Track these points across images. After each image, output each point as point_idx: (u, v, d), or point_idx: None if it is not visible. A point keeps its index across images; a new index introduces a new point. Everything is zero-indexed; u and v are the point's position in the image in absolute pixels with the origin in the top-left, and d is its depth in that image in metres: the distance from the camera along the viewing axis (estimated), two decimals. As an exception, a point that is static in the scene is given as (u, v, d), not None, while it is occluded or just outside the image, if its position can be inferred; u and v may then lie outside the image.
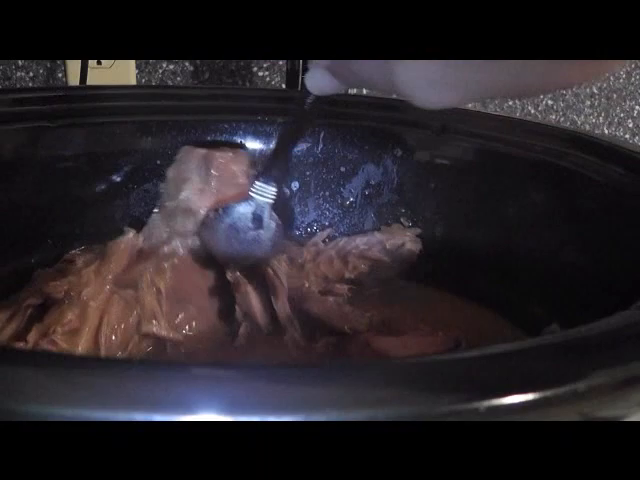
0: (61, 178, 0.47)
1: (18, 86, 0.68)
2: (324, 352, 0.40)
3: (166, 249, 0.43)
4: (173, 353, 0.40)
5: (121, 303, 0.39)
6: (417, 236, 0.51)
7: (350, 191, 0.53)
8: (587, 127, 0.89)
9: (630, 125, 0.91)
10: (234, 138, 0.52)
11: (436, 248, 0.50)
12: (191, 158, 0.45)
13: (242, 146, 0.49)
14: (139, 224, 0.45)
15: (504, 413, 0.18)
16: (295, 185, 0.53)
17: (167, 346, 0.40)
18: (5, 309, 0.39)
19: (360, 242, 0.50)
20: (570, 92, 0.86)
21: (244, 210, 0.43)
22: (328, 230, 0.53)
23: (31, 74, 0.68)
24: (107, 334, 0.38)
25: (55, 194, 0.47)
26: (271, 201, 0.42)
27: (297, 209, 0.53)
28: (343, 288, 0.46)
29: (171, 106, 0.52)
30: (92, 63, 0.64)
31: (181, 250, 0.43)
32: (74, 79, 0.66)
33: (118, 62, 0.67)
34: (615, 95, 0.88)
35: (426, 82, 0.25)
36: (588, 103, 0.88)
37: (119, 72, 0.67)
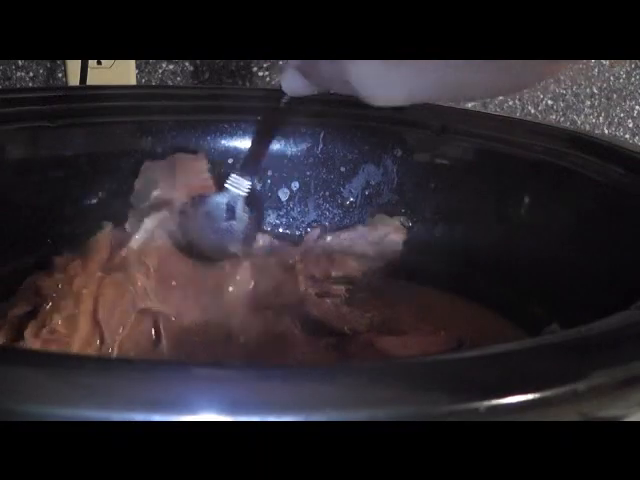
0: (61, 178, 0.47)
1: (18, 86, 0.68)
2: (325, 353, 0.40)
3: (147, 238, 0.44)
4: (168, 335, 0.40)
5: (113, 285, 0.40)
6: (401, 224, 0.51)
7: (350, 191, 0.53)
8: (587, 127, 0.89)
9: (630, 125, 0.91)
10: (234, 138, 0.52)
11: (436, 248, 0.50)
12: (153, 167, 0.48)
13: (199, 152, 0.51)
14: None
15: (504, 413, 0.18)
16: (295, 185, 0.53)
17: (160, 323, 0.40)
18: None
19: (344, 238, 0.50)
20: (570, 92, 0.86)
21: (219, 200, 0.45)
22: (319, 228, 0.52)
23: (31, 74, 0.68)
24: (105, 315, 0.39)
25: (55, 194, 0.47)
26: (245, 194, 0.45)
27: (297, 209, 0.53)
28: (340, 289, 0.46)
29: (171, 106, 0.52)
30: (92, 63, 0.64)
31: (161, 239, 0.44)
32: (74, 79, 0.66)
33: (118, 62, 0.67)
34: (615, 95, 0.88)
35: (374, 81, 0.26)
36: (588, 103, 0.88)
37: (119, 72, 0.67)
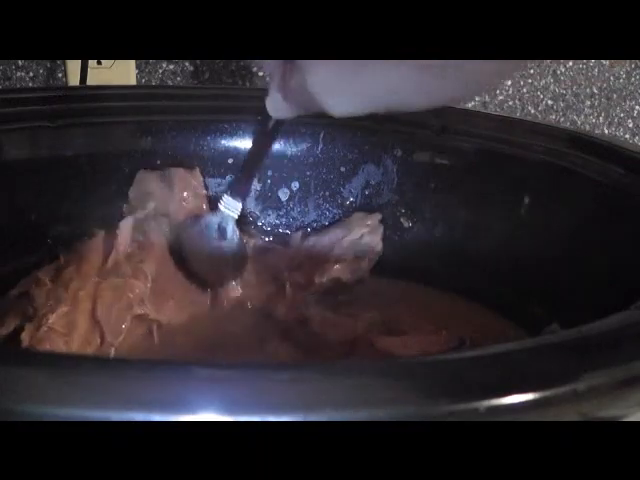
0: (61, 178, 0.47)
1: (18, 86, 0.68)
2: (326, 353, 0.40)
3: (145, 246, 0.44)
4: (161, 342, 0.41)
5: (111, 289, 0.40)
6: (379, 221, 0.50)
7: (350, 191, 0.53)
8: (587, 127, 0.89)
9: (630, 125, 0.91)
10: (234, 138, 0.52)
11: (436, 248, 0.50)
12: (148, 178, 0.48)
13: (194, 166, 0.51)
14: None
15: (504, 413, 0.18)
16: (295, 185, 0.53)
17: (154, 331, 0.41)
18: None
19: (325, 242, 0.49)
20: (570, 92, 0.86)
21: (211, 221, 0.46)
22: (301, 231, 0.52)
23: (31, 74, 0.68)
24: (104, 314, 0.39)
25: (55, 194, 0.47)
26: (235, 216, 0.45)
27: (297, 209, 0.53)
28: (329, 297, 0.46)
29: (171, 106, 0.52)
30: (92, 63, 0.64)
31: (160, 246, 0.45)
32: (74, 79, 0.66)
33: (118, 62, 0.67)
34: (615, 95, 0.88)
35: (329, 90, 0.27)
36: (588, 103, 0.88)
37: (119, 72, 0.67)
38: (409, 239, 0.51)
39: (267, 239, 0.52)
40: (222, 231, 0.45)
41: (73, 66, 0.66)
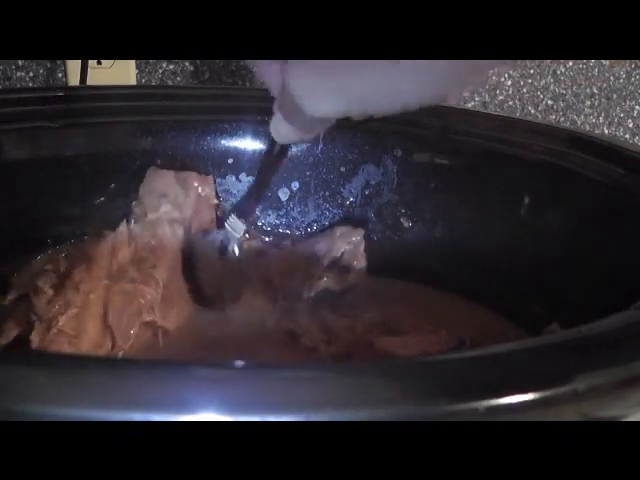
0: (61, 178, 0.47)
1: (18, 86, 0.68)
2: (327, 354, 0.40)
3: (157, 251, 0.44)
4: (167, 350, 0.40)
5: (122, 294, 0.40)
6: (362, 236, 0.49)
7: (350, 191, 0.53)
8: (587, 127, 0.89)
9: (630, 125, 0.91)
10: (234, 138, 0.52)
11: (436, 248, 0.50)
12: (162, 177, 0.48)
13: (206, 172, 0.51)
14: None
15: (504, 413, 0.18)
16: (295, 185, 0.53)
17: (160, 338, 0.41)
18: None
19: (311, 251, 0.49)
20: (570, 92, 0.86)
21: (216, 238, 0.46)
22: (289, 240, 0.52)
23: (31, 74, 0.68)
24: (115, 319, 0.38)
25: (55, 194, 0.47)
26: (239, 237, 0.45)
27: (297, 209, 0.53)
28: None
29: (171, 106, 0.52)
30: (92, 63, 0.64)
31: (171, 255, 0.45)
32: (74, 79, 0.66)
33: (118, 62, 0.67)
34: (615, 95, 0.88)
35: (308, 92, 0.27)
36: (588, 103, 0.88)
37: (119, 72, 0.67)
38: (409, 239, 0.51)
39: (267, 239, 0.52)
40: (224, 249, 0.45)
41: (73, 66, 0.66)
